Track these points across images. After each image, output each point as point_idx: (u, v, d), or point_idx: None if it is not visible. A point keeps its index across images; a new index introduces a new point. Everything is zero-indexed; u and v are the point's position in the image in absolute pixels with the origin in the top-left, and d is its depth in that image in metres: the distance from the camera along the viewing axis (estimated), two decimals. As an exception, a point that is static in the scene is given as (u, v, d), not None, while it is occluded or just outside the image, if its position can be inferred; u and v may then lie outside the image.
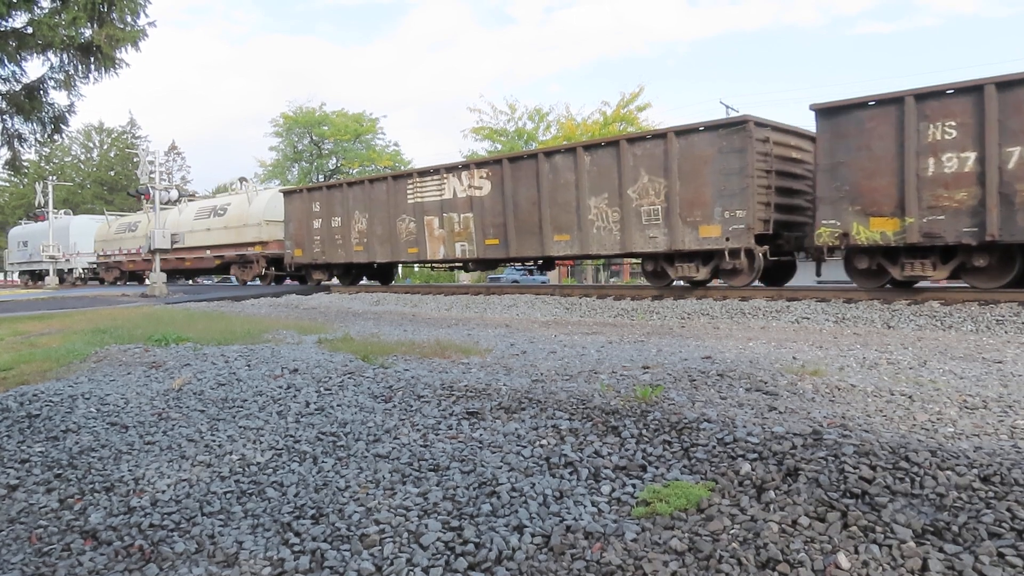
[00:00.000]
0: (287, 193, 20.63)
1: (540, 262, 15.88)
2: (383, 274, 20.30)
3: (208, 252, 24.53)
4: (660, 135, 12.24)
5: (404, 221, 16.82)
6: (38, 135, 8.87)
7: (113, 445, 3.66)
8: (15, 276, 43.55)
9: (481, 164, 15.38)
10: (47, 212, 37.01)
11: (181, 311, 12.37)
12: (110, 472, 3.28)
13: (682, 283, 12.93)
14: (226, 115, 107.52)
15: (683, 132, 11.89)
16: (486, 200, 14.99)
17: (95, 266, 32.90)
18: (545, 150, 14.42)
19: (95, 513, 2.84)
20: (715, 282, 13.10)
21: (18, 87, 8.33)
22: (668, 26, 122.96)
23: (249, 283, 22.89)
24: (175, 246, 24.17)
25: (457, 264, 16.85)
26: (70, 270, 35.63)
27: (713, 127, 11.62)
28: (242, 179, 28.41)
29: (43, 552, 2.54)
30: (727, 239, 11.43)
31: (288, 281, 23.48)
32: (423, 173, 16.45)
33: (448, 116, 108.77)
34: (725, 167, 11.39)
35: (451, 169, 15.81)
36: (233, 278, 24.72)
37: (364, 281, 20.84)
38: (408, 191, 16.68)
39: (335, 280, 20.12)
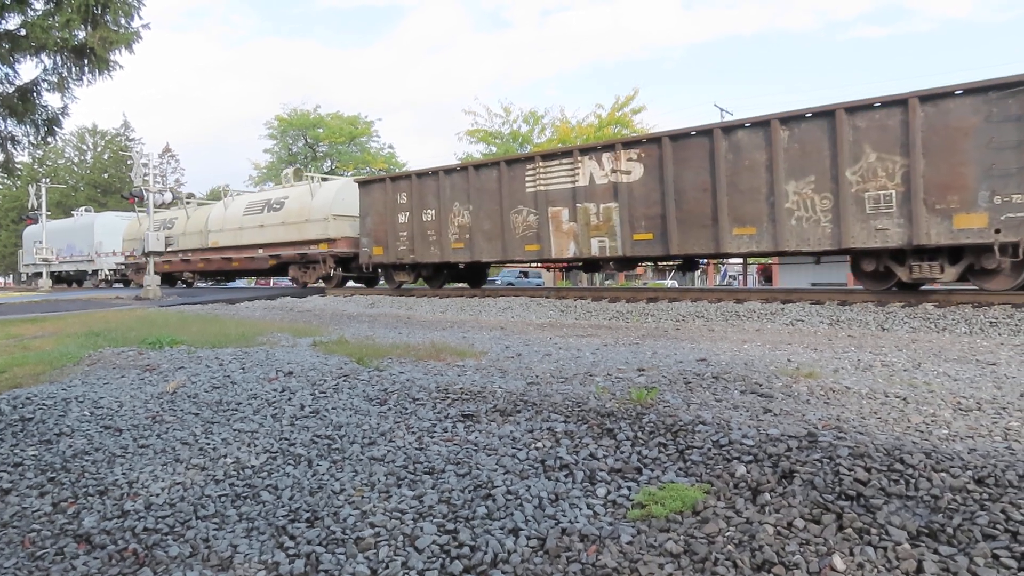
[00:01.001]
0: (364, 183, 17.76)
1: (705, 261, 14.65)
2: (474, 275, 17.94)
3: (261, 251, 21.39)
4: (896, 101, 9.85)
5: (521, 213, 14.32)
6: (31, 137, 8.83)
7: (107, 448, 3.64)
8: (44, 278, 41.50)
9: (630, 144, 12.96)
10: (39, 214, 36.63)
11: (175, 314, 12.33)
12: (104, 476, 3.27)
13: (885, 287, 10.79)
14: (222, 118, 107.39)
15: (931, 97, 9.56)
16: (636, 187, 12.61)
17: (123, 267, 29.75)
18: (723, 125, 11.90)
19: (89, 517, 2.82)
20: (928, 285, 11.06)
21: (11, 89, 8.30)
22: (664, 30, 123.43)
23: (311, 285, 20.25)
24: (219, 244, 22.78)
25: (588, 263, 14.27)
26: (94, 271, 32.75)
27: (979, 89, 9.24)
28: (296, 169, 25.02)
29: (36, 556, 2.53)
30: (997, 230, 9.12)
31: (351, 283, 21.10)
32: (549, 156, 14.16)
33: (445, 119, 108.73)
34: (996, 140, 9.09)
35: (588, 151, 13.54)
36: (291, 280, 21.73)
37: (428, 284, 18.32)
38: (527, 178, 14.22)
39: (413, 282, 17.83)
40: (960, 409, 3.80)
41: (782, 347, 6.60)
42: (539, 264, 16.86)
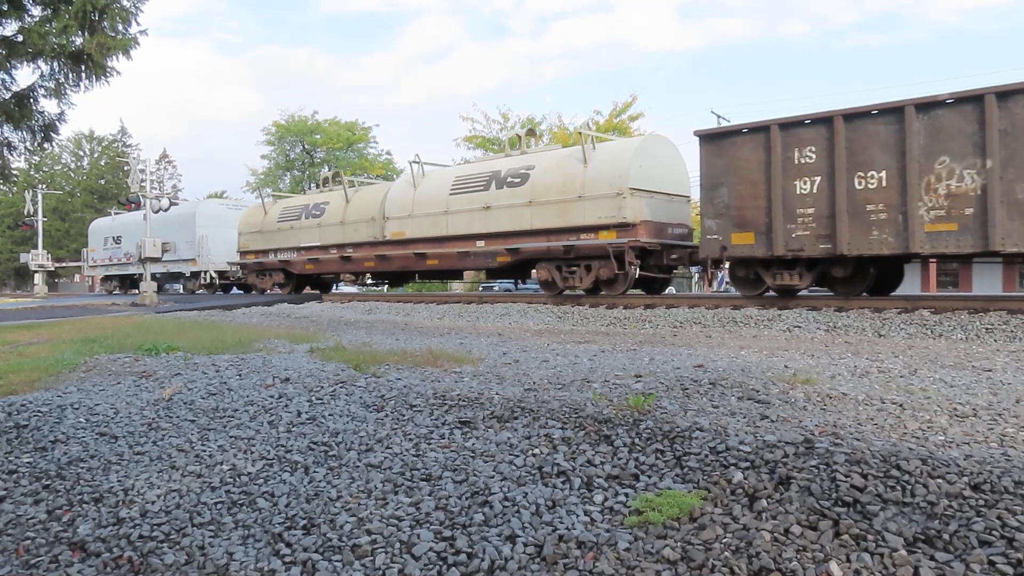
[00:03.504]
0: (712, 137, 11.75)
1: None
2: (889, 278, 11.99)
3: (481, 244, 15.37)
4: None
5: None
6: (28, 143, 8.84)
7: (102, 455, 3.63)
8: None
9: None
10: (36, 221, 36.41)
11: (171, 320, 12.31)
12: (99, 483, 3.25)
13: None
14: (219, 124, 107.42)
15: None
16: None
17: (236, 268, 23.15)
18: None
19: (84, 524, 2.81)
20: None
21: (8, 95, 8.31)
22: (661, 38, 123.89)
23: (581, 289, 14.21)
24: (405, 235, 16.83)
25: None
26: (193, 273, 26.21)
27: None
28: (530, 130, 17.86)
29: (31, 564, 2.51)
30: None
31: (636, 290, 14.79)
32: None
33: (442, 126, 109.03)
34: None
35: None
36: (539, 284, 15.19)
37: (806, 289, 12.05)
38: None
39: (812, 285, 11.50)
40: (956, 415, 3.80)
41: (779, 353, 6.61)
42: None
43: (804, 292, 12.21)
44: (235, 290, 26.13)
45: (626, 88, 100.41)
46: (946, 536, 2.16)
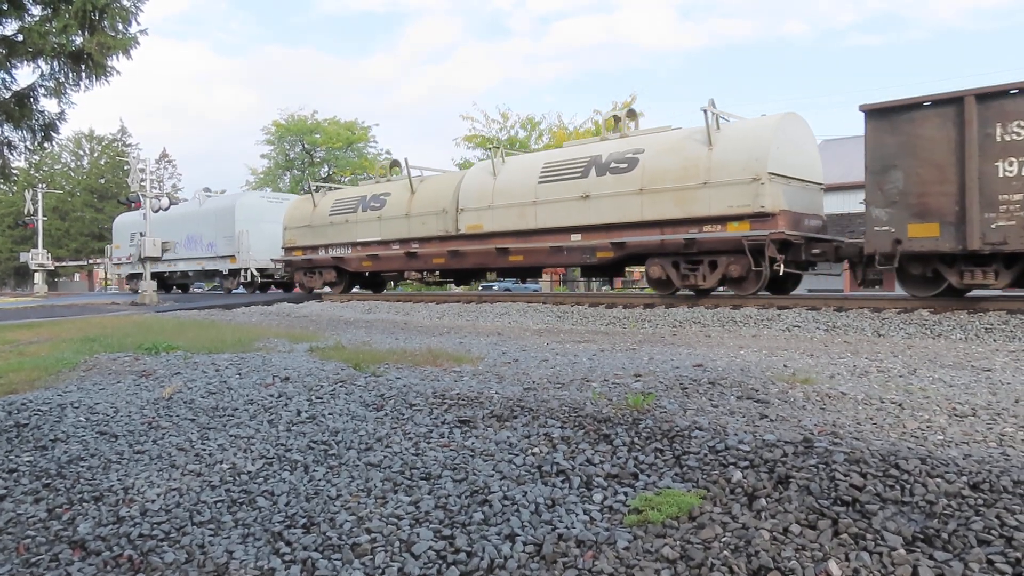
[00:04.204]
0: (883, 112, 10.01)
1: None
2: None
3: (576, 237, 13.68)
4: None
5: None
6: (28, 143, 8.83)
7: (102, 454, 3.64)
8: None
9: None
10: (36, 220, 36.34)
11: (171, 319, 12.32)
12: (99, 482, 3.26)
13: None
14: (219, 124, 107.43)
15: None
16: None
17: (280, 265, 21.15)
18: None
19: (84, 523, 2.81)
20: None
21: (8, 94, 8.30)
22: (660, 37, 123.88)
23: (704, 288, 12.41)
24: (483, 229, 15.14)
25: None
26: (231, 271, 23.90)
27: None
28: (631, 111, 15.32)
29: (31, 563, 2.52)
30: None
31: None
32: None
33: (442, 125, 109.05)
34: None
35: None
36: (649, 282, 13.60)
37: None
38: None
39: (1009, 284, 9.65)
40: (955, 415, 3.81)
41: (778, 353, 6.61)
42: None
43: (997, 292, 10.48)
44: (273, 289, 24.40)
45: (626, 88, 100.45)
46: (945, 535, 2.16)
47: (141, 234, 25.12)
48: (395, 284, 21.21)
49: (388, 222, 17.41)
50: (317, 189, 20.70)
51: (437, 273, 17.64)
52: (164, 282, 27.10)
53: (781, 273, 11.51)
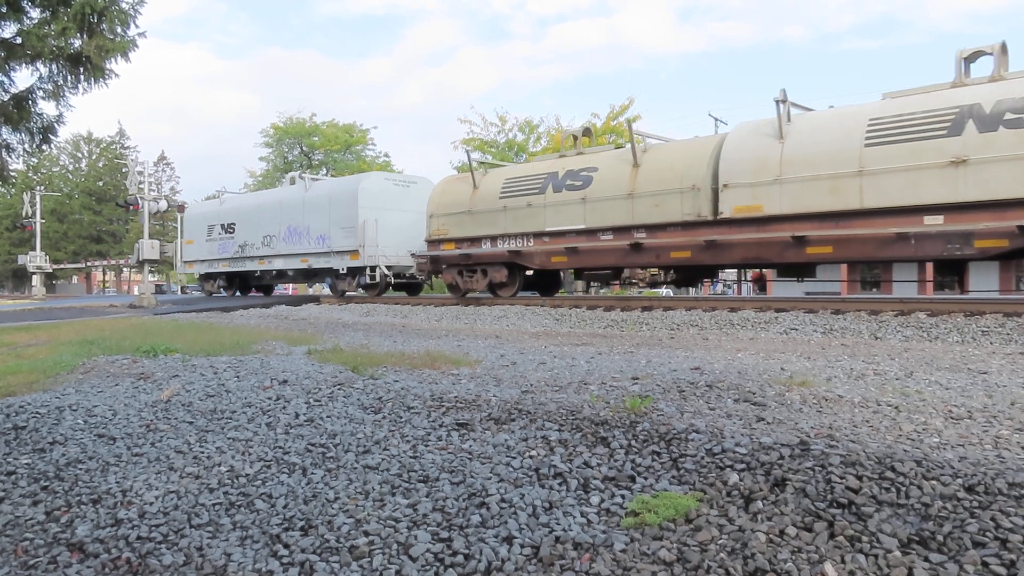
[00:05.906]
0: None
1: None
2: None
3: (937, 219, 9.86)
4: None
5: None
6: (26, 145, 8.84)
7: (100, 457, 3.64)
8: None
9: None
10: (34, 222, 36.31)
11: (169, 322, 12.31)
12: (97, 484, 3.26)
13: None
14: (218, 127, 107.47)
15: None
16: None
17: (424, 261, 16.82)
18: None
19: (82, 525, 2.82)
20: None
21: (6, 97, 8.31)
22: (659, 41, 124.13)
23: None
24: (758, 214, 11.25)
25: None
26: (351, 270, 19.06)
27: None
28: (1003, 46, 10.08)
29: (29, 565, 2.52)
30: None
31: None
32: None
33: (441, 128, 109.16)
34: None
35: None
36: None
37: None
38: None
39: None
40: (951, 418, 3.82)
41: (776, 356, 6.63)
42: None
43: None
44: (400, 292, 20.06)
45: (624, 91, 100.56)
46: (940, 537, 2.17)
47: (223, 226, 22.24)
48: (602, 287, 16.44)
49: (596, 205, 13.47)
50: (479, 166, 16.69)
51: (672, 272, 13.71)
52: (245, 282, 23.44)
53: None
